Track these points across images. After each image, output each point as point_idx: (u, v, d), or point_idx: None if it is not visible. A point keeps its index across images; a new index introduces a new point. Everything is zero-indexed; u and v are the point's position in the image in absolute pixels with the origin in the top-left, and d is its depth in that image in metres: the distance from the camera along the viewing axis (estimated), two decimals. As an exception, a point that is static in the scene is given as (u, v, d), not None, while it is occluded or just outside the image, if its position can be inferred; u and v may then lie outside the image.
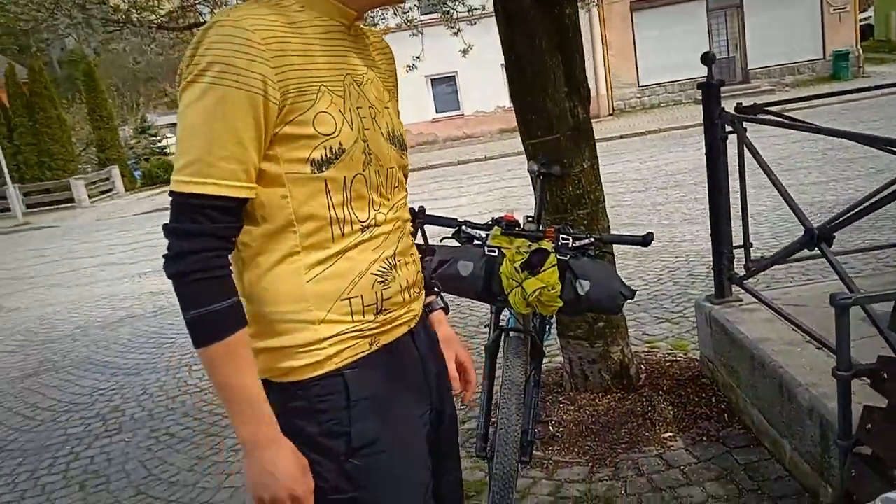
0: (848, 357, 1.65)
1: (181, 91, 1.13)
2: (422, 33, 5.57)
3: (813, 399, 2.22)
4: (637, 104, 21.47)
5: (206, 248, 1.13)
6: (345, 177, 1.21)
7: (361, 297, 1.25)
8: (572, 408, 3.31)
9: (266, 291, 1.21)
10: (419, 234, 2.45)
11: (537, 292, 2.27)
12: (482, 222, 2.55)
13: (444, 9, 5.17)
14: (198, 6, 3.89)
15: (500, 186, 12.38)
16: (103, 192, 23.39)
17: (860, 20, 21.98)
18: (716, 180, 3.06)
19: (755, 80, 20.62)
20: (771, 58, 20.38)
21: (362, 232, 1.26)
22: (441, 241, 2.59)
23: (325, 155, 1.18)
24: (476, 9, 5.45)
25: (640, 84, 21.34)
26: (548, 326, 2.81)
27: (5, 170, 20.95)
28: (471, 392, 1.62)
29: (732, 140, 3.01)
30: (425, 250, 2.50)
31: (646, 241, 2.29)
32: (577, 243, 2.39)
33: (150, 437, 4.14)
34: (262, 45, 1.11)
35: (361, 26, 1.37)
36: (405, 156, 1.39)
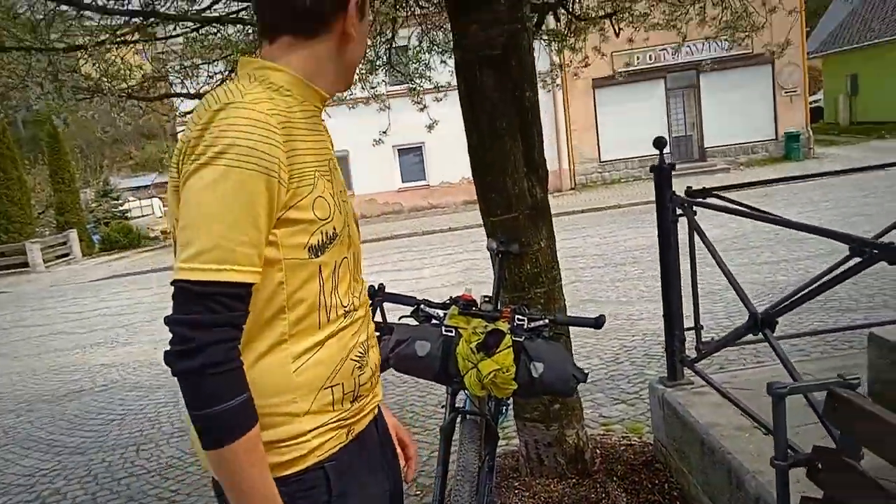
0: (785, 446, 1.66)
1: (191, 172, 1.10)
2: (388, 107, 5.70)
3: (759, 487, 2.22)
4: (598, 179, 22.04)
5: (225, 338, 1.08)
6: (335, 261, 1.22)
7: (342, 384, 1.25)
8: (527, 494, 3.25)
9: (254, 384, 1.15)
10: (377, 311, 2.46)
11: (492, 374, 2.27)
12: (441, 301, 2.56)
13: (411, 85, 5.31)
14: (169, 76, 3.94)
15: (463, 258, 12.46)
16: (59, 257, 22.91)
17: (810, 102, 23.12)
18: (667, 262, 3.13)
19: (711, 158, 21.40)
20: (726, 137, 21.24)
21: (345, 317, 1.26)
22: (399, 319, 2.59)
23: (322, 240, 1.19)
24: (443, 87, 5.61)
25: (602, 159, 21.97)
26: (504, 408, 2.80)
27: (-41, 232, 20.49)
28: (412, 470, 1.62)
29: (685, 220, 3.10)
30: (383, 328, 2.50)
31: (598, 323, 2.32)
32: (532, 324, 2.41)
33: (91, 521, 3.96)
34: (277, 129, 1.12)
35: None
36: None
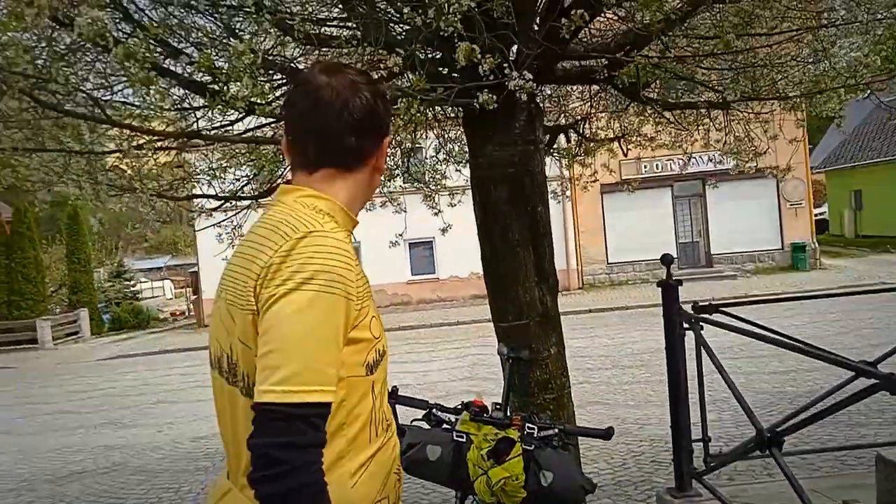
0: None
1: (278, 296, 1.14)
2: (405, 211, 5.91)
3: None
4: (606, 280, 22.20)
5: (318, 459, 1.10)
6: (382, 378, 1.29)
7: (389, 496, 1.29)
8: None
9: None
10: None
11: (502, 481, 2.32)
12: (453, 406, 2.64)
13: (426, 192, 5.53)
14: (197, 178, 4.17)
15: (471, 353, 12.45)
16: (69, 335, 22.99)
17: (815, 215, 23.50)
18: (675, 375, 3.21)
19: (718, 264, 21.58)
20: (733, 245, 21.50)
21: (387, 431, 1.31)
22: (412, 421, 2.66)
23: (375, 358, 1.25)
24: (456, 192, 5.84)
25: (609, 261, 22.19)
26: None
27: (-30, 307, 20.70)
28: None
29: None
30: (396, 431, 2.57)
31: (607, 435, 2.39)
32: (543, 433, 2.47)
33: None
34: (352, 255, 1.21)
35: None
36: None
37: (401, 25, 2.97)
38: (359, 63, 2.70)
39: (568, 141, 4.92)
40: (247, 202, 4.29)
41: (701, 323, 3.15)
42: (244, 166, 4.35)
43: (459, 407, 2.62)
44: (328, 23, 3.18)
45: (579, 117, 4.83)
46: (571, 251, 21.76)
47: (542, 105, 3.39)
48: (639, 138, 4.91)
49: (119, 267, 30.66)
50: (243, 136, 3.58)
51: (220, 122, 3.74)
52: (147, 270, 41.97)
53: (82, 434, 9.04)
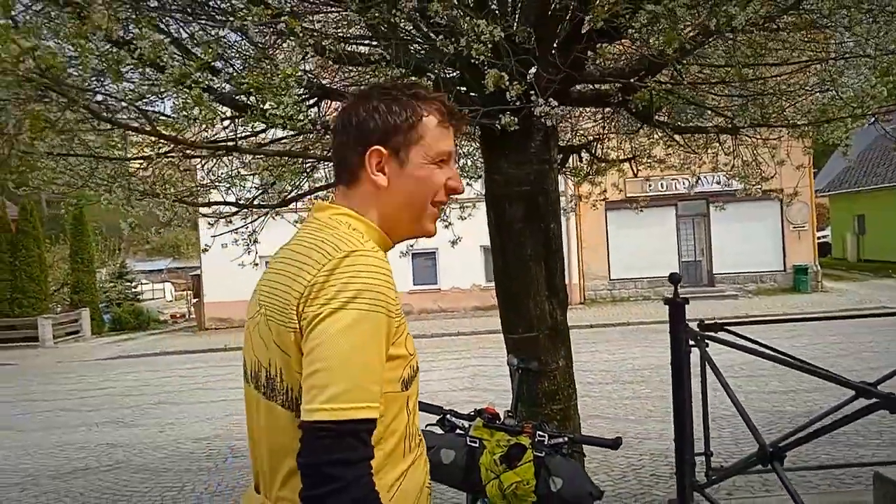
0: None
1: (324, 315, 1.16)
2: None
3: None
4: (607, 296, 22.29)
5: (368, 472, 1.14)
6: (416, 394, 1.32)
7: None
8: None
9: None
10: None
11: (514, 485, 2.42)
12: (467, 412, 2.74)
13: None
14: (217, 184, 4.28)
15: (472, 364, 12.54)
16: (69, 334, 23.09)
17: (818, 238, 23.62)
18: (680, 390, 3.31)
19: (720, 284, 21.68)
20: (735, 265, 21.62)
21: (419, 446, 1.35)
22: (426, 426, 2.76)
23: (410, 374, 1.28)
24: (467, 205, 5.95)
25: (612, 277, 22.30)
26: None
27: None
28: None
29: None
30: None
31: (615, 444, 2.48)
32: (553, 441, 2.57)
33: None
34: (390, 274, 1.23)
35: None
36: None
37: (423, 46, 3.09)
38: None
39: (580, 160, 5.04)
40: (264, 210, 4.40)
41: (706, 340, 3.24)
42: (258, 176, 4.45)
43: (473, 413, 2.72)
44: (357, 41, 3.30)
45: (592, 138, 4.95)
46: (574, 266, 21.85)
47: (556, 126, 3.49)
48: (649, 160, 5.03)
49: (121, 268, 30.77)
50: (281, 150, 3.69)
51: (242, 132, 3.85)
52: (148, 272, 42.06)
53: (84, 431, 9.12)
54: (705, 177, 19.36)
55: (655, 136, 4.76)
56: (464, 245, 6.23)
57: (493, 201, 3.45)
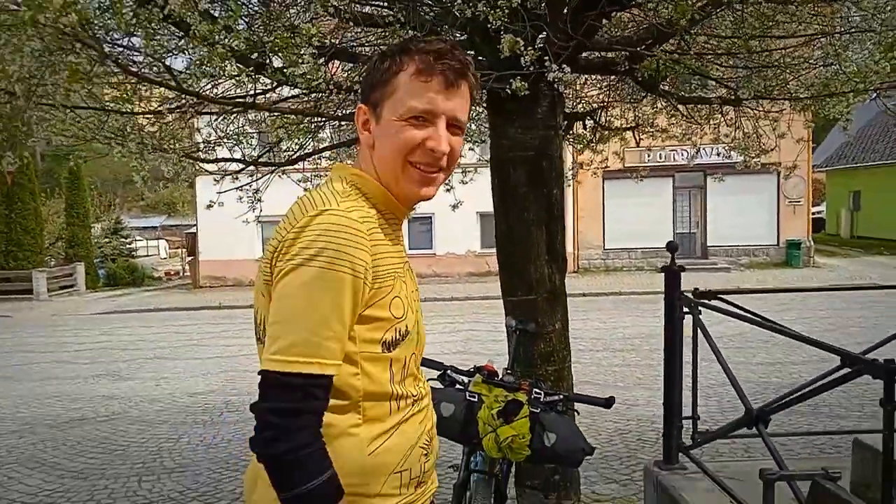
0: (775, 529, 1.90)
1: (286, 270, 1.20)
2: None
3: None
4: (601, 265, 22.44)
5: (309, 424, 1.17)
6: (405, 356, 1.33)
7: (410, 469, 1.34)
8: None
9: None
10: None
11: (509, 439, 2.52)
12: (466, 368, 2.83)
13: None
14: (223, 141, 4.30)
15: (464, 328, 12.68)
16: (63, 288, 23.14)
17: (813, 213, 23.73)
18: (672, 355, 3.40)
19: (713, 256, 21.83)
20: (729, 238, 21.75)
21: (413, 405, 1.36)
22: (426, 381, 2.85)
23: (395, 336, 1.29)
24: (468, 170, 5.98)
25: (606, 247, 22.42)
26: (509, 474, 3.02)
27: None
28: None
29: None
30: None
31: (608, 403, 2.58)
32: (548, 398, 2.66)
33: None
34: (366, 235, 1.23)
35: None
36: None
37: (433, 9, 3.10)
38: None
39: (584, 128, 5.08)
40: (270, 168, 4.43)
41: (700, 308, 3.32)
42: (271, 134, 4.48)
43: (472, 370, 2.81)
44: (373, 2, 3.30)
45: (596, 105, 4.98)
46: (569, 235, 21.94)
47: (562, 92, 3.53)
48: (651, 129, 5.07)
49: (116, 224, 30.71)
50: (296, 108, 3.72)
51: (251, 90, 3.86)
52: (142, 229, 42.00)
53: (80, 383, 9.23)
54: (704, 149, 19.40)
55: (659, 105, 4.79)
56: (461, 210, 6.27)
57: (497, 165, 3.49)
